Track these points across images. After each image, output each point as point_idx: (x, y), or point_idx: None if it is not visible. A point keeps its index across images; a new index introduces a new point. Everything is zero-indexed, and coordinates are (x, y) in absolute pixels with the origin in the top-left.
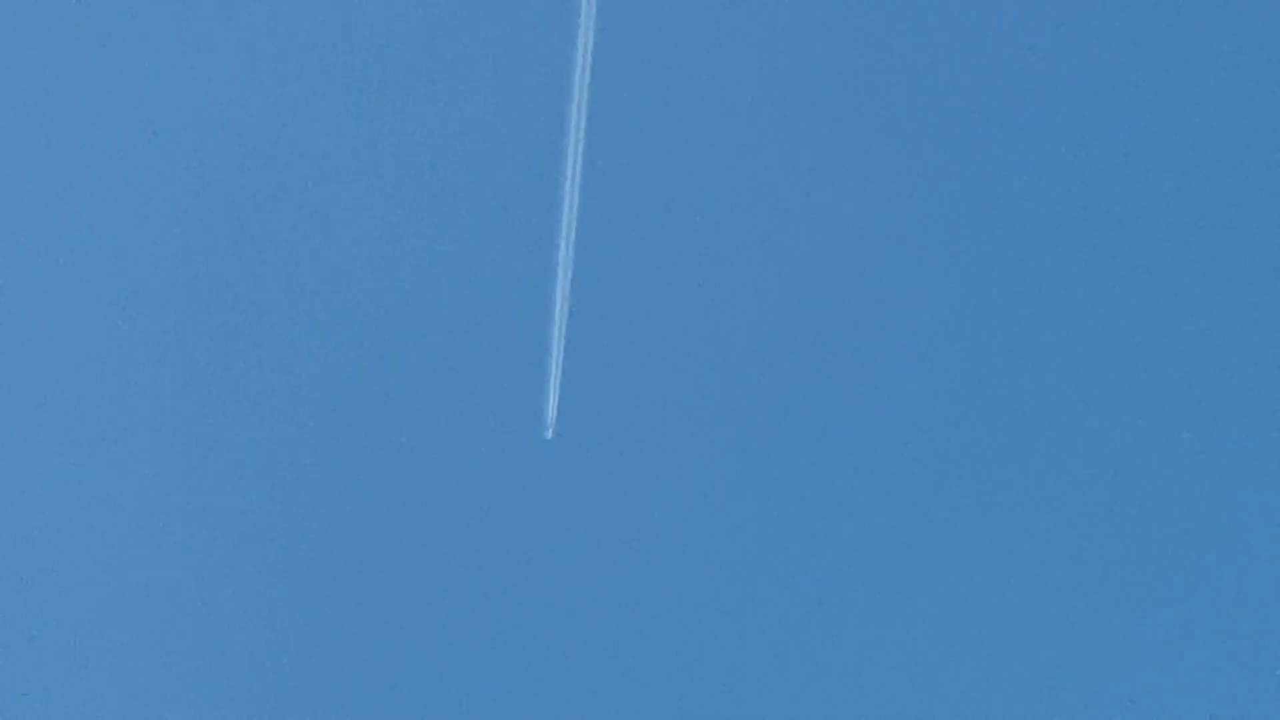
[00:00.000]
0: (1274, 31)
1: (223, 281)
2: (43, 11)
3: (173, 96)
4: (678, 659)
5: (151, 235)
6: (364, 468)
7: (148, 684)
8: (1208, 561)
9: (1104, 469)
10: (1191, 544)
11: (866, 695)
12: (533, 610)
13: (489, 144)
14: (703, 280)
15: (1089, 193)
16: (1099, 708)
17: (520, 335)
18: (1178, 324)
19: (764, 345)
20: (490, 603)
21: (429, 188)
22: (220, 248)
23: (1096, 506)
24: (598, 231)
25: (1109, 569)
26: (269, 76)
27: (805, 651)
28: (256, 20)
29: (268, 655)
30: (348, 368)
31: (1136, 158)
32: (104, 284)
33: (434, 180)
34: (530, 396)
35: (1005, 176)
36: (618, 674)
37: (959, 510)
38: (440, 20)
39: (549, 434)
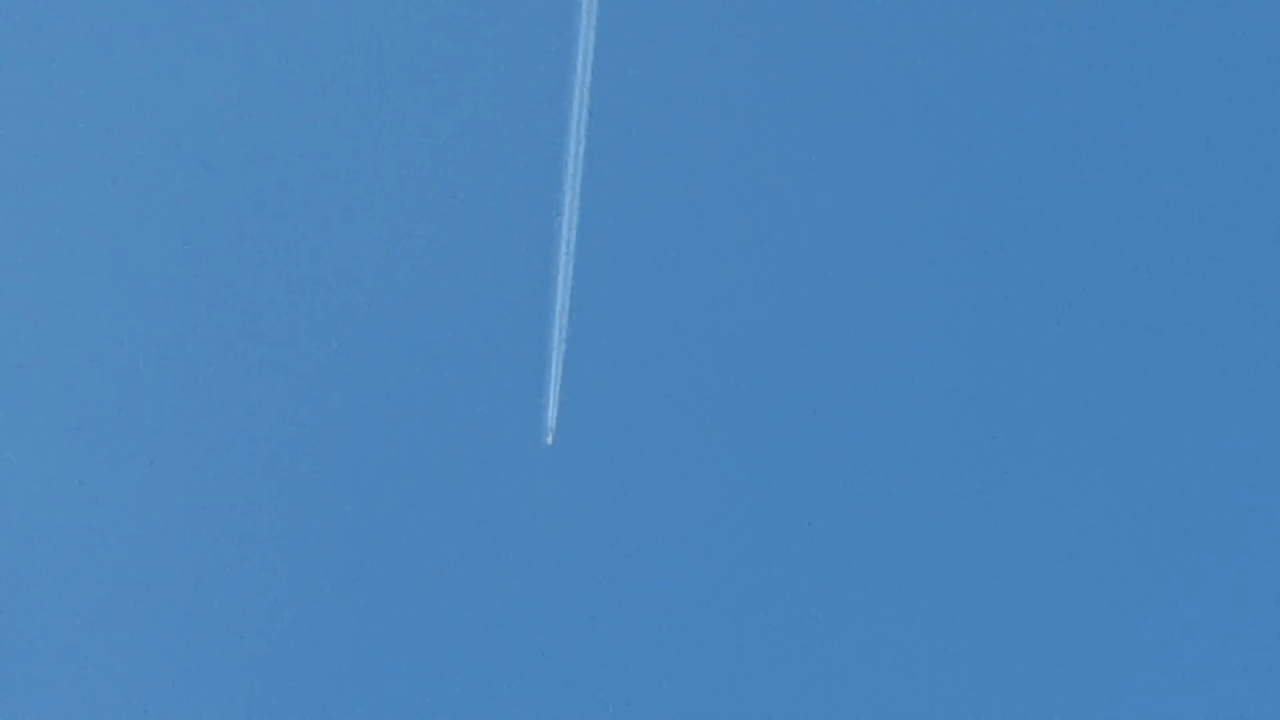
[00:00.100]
0: (1274, 31)
1: (222, 283)
2: (43, 11)
3: (172, 97)
4: (678, 663)
5: (150, 236)
6: (364, 473)
7: (148, 684)
8: (1208, 561)
9: (1104, 469)
10: (1191, 544)
11: (867, 696)
12: (533, 616)
13: (489, 147)
14: (704, 284)
15: (1089, 193)
16: (1099, 708)
17: (520, 340)
18: (1178, 324)
19: (765, 349)
20: (490, 608)
21: (429, 192)
22: (219, 249)
23: (1096, 507)
24: (598, 236)
25: (1109, 569)
26: (270, 77)
27: (806, 653)
28: (258, 21)
29: (268, 658)
30: (348, 372)
31: (1136, 158)
32: (103, 284)
33: (434, 184)
34: (530, 402)
35: (1005, 177)
36: (619, 678)
37: (960, 514)
38: (440, 21)
39: (549, 440)
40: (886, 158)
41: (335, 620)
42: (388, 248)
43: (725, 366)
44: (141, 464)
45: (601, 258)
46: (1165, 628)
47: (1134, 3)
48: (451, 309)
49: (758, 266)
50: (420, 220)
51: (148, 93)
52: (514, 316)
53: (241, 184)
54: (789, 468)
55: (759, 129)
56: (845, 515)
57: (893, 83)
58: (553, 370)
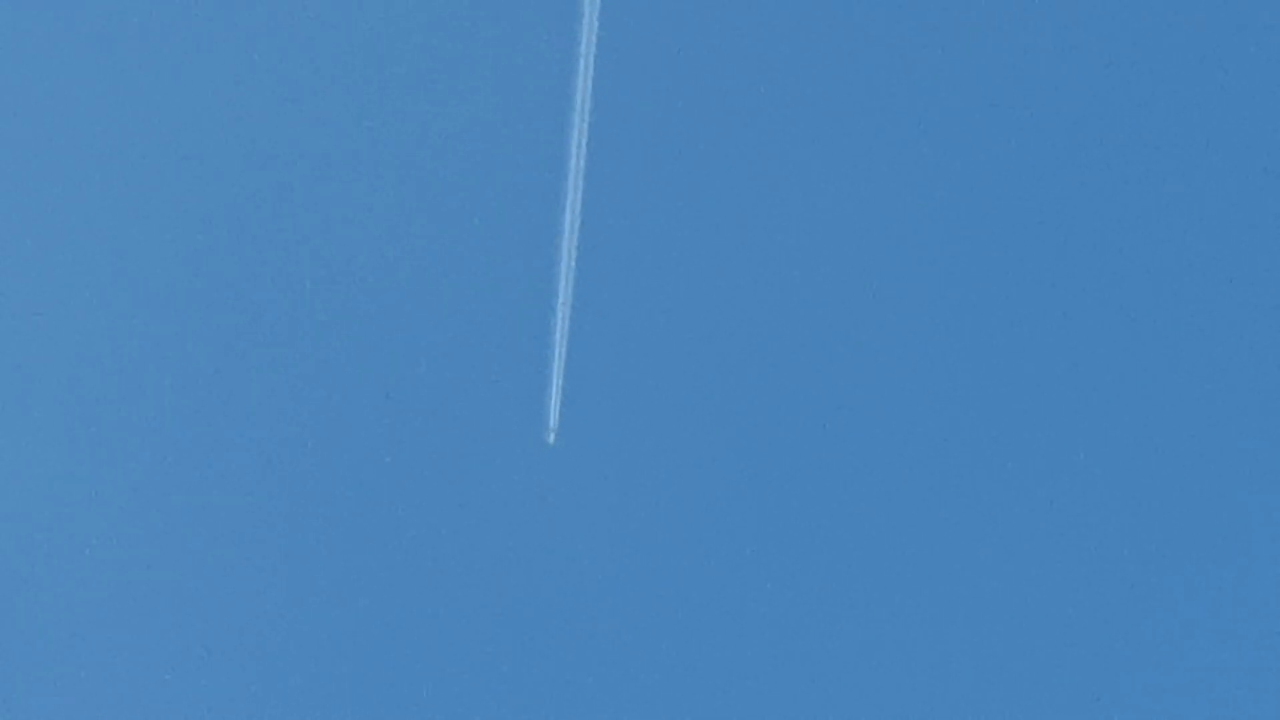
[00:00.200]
0: (1274, 31)
1: (224, 283)
2: (43, 11)
3: (174, 97)
4: (680, 662)
5: (152, 237)
6: (366, 471)
7: (147, 684)
8: (1208, 562)
9: (1104, 469)
10: (1192, 544)
11: (867, 696)
12: (534, 614)
13: (491, 146)
14: (705, 284)
15: (1089, 193)
16: (1099, 707)
17: (522, 339)
18: (1178, 324)
19: (766, 349)
20: (492, 607)
21: (431, 192)
22: (221, 250)
23: (1096, 507)
24: (600, 236)
25: (1109, 569)
26: (271, 78)
27: (808, 653)
28: (261, 22)
29: (270, 659)
30: (350, 371)
31: (1136, 158)
32: (104, 285)
33: (436, 184)
34: (532, 401)
35: (1008, 178)
36: (620, 677)
37: (962, 514)
38: (442, 22)
39: (551, 439)
40: (887, 158)
41: (337, 619)
42: (390, 247)
43: (726, 366)
44: (141, 463)
45: (603, 257)
46: (1165, 628)
47: (1134, 3)
48: (453, 308)
49: (759, 266)
50: (422, 220)
51: (148, 93)
52: (516, 316)
53: (243, 184)
54: (790, 467)
55: (760, 129)
56: (847, 515)
57: (895, 84)
58: (554, 369)
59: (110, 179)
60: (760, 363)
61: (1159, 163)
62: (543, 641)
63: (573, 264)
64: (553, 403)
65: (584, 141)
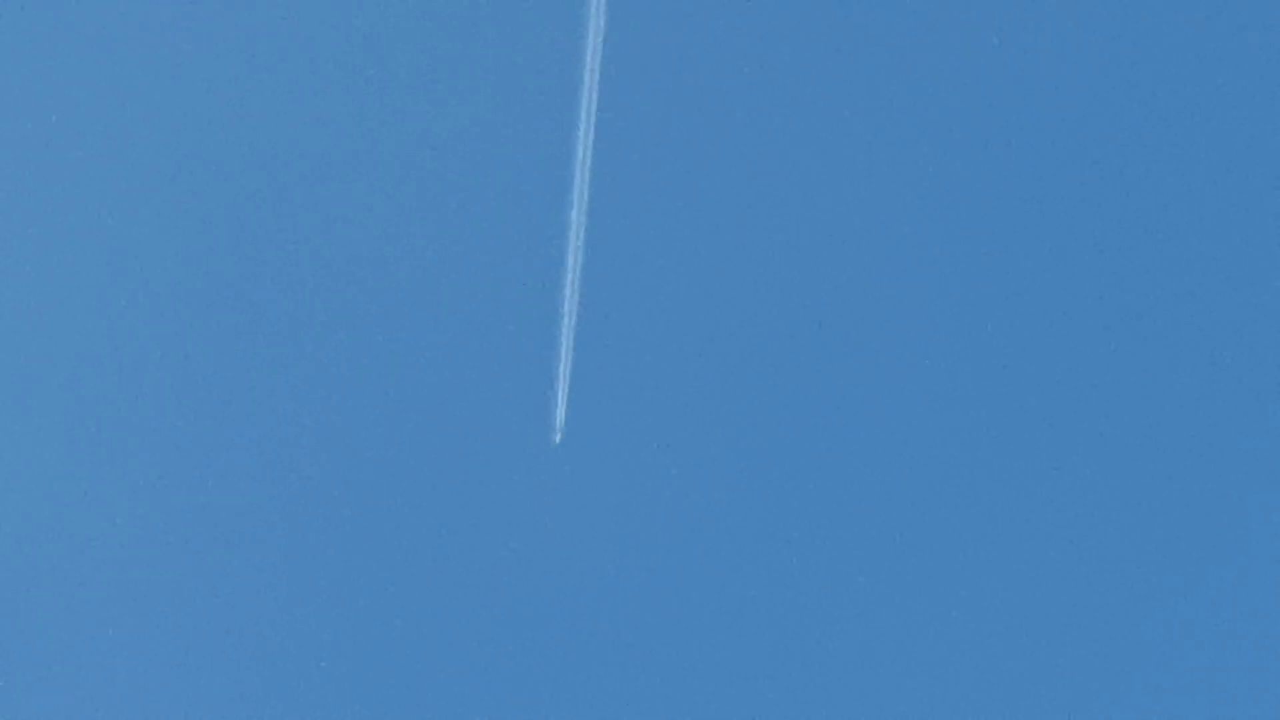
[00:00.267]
0: (1274, 31)
1: (228, 284)
2: (43, 11)
3: (178, 97)
4: (686, 663)
5: (154, 237)
6: (371, 472)
7: (148, 684)
8: (1208, 562)
9: (1104, 469)
10: (1192, 544)
11: (871, 697)
12: (540, 614)
13: (497, 147)
14: (712, 284)
15: (1090, 193)
16: (1099, 708)
17: (529, 340)
18: (1178, 324)
19: (773, 349)
20: (498, 606)
21: (438, 192)
22: (225, 251)
23: (1096, 507)
24: (606, 236)
25: (1109, 569)
26: (277, 79)
27: (812, 654)
28: (267, 23)
29: (276, 660)
30: (355, 372)
31: (1136, 158)
32: (125, 289)
33: (443, 185)
34: (538, 401)
35: (1014, 178)
36: (626, 677)
37: (970, 517)
38: (447, 24)
39: (557, 438)
40: (894, 160)
41: (343, 620)
42: (396, 248)
43: (733, 366)
44: (146, 470)
45: (610, 258)
46: (1165, 628)
47: (1134, 3)
48: (460, 309)
49: (765, 267)
50: (429, 220)
51: (155, 94)
52: (522, 316)
53: (249, 186)
54: (797, 467)
55: (766, 130)
56: (853, 515)
57: (903, 84)
58: (561, 369)
59: (129, 181)
60: (766, 364)
61: (1159, 163)
62: (548, 642)
63: (579, 265)
64: (559, 403)
65: (590, 143)
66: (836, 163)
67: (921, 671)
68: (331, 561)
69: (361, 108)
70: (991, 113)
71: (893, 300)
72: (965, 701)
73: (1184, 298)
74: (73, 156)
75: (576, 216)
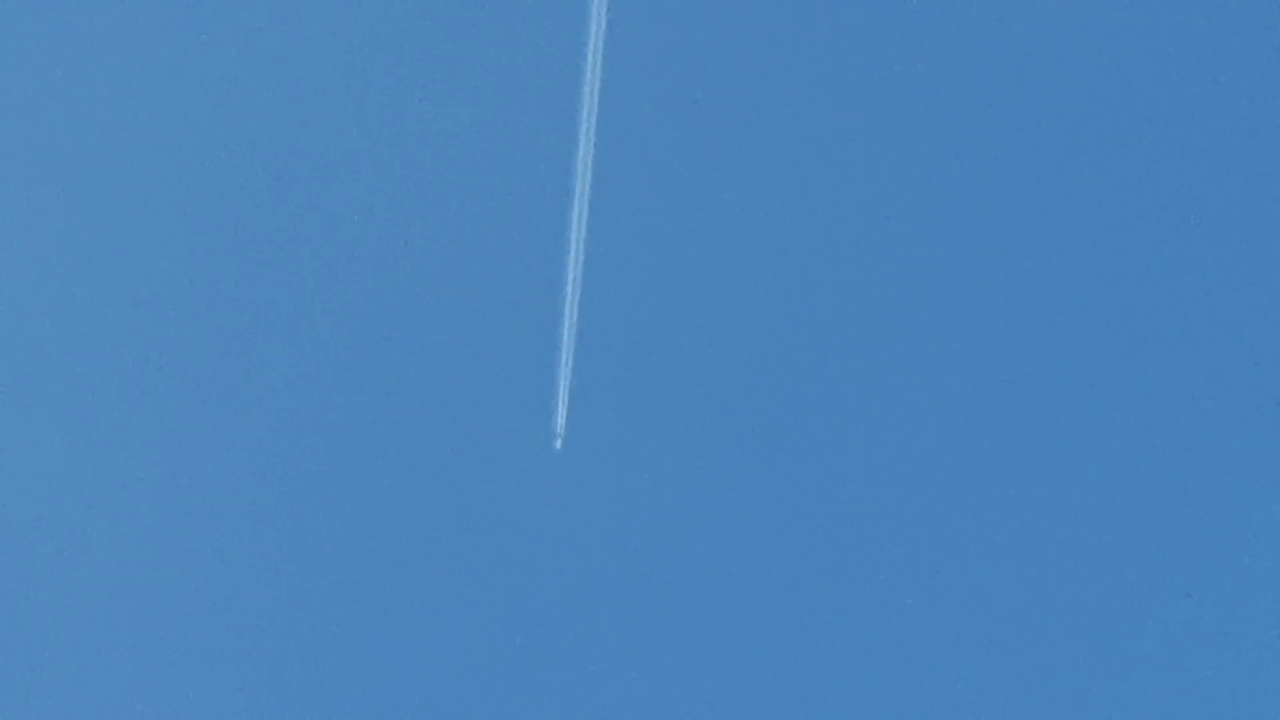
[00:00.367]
0: (1274, 31)
1: (227, 286)
2: (44, 11)
3: (179, 97)
4: (687, 667)
5: (154, 238)
6: (371, 476)
7: (148, 684)
8: (1208, 562)
9: (1104, 469)
10: (1191, 544)
11: (877, 698)
12: (541, 620)
13: (498, 149)
14: (714, 288)
15: (1093, 193)
16: (1098, 708)
17: (529, 345)
18: (1178, 324)
19: (775, 353)
20: (498, 612)
21: (438, 195)
22: (224, 252)
23: (1097, 507)
24: (607, 239)
25: (1109, 569)
26: (277, 79)
27: (816, 658)
28: (269, 23)
29: (276, 664)
30: (355, 376)
31: (1136, 158)
32: (126, 289)
33: (443, 187)
34: (539, 407)
35: (1021, 180)
36: (627, 682)
37: (982, 520)
38: (449, 22)
39: (558, 444)
40: (898, 160)
41: (341, 624)
42: (396, 250)
43: (735, 371)
44: (150, 473)
45: (611, 261)
46: (1165, 628)
47: (1134, 3)
48: (460, 313)
49: (767, 270)
50: (429, 223)
51: (155, 94)
52: (523, 320)
53: (252, 187)
54: (799, 472)
55: (768, 131)
56: (856, 519)
57: (906, 84)
58: (561, 374)
59: (127, 181)
60: (768, 368)
61: (1159, 163)
62: (549, 647)
63: (579, 270)
64: (559, 408)
65: (591, 146)
66: (840, 164)
67: (927, 676)
68: (332, 567)
69: (361, 110)
70: (994, 113)
71: (898, 303)
72: (967, 702)
73: (1184, 298)
74: (73, 156)
75: (577, 220)
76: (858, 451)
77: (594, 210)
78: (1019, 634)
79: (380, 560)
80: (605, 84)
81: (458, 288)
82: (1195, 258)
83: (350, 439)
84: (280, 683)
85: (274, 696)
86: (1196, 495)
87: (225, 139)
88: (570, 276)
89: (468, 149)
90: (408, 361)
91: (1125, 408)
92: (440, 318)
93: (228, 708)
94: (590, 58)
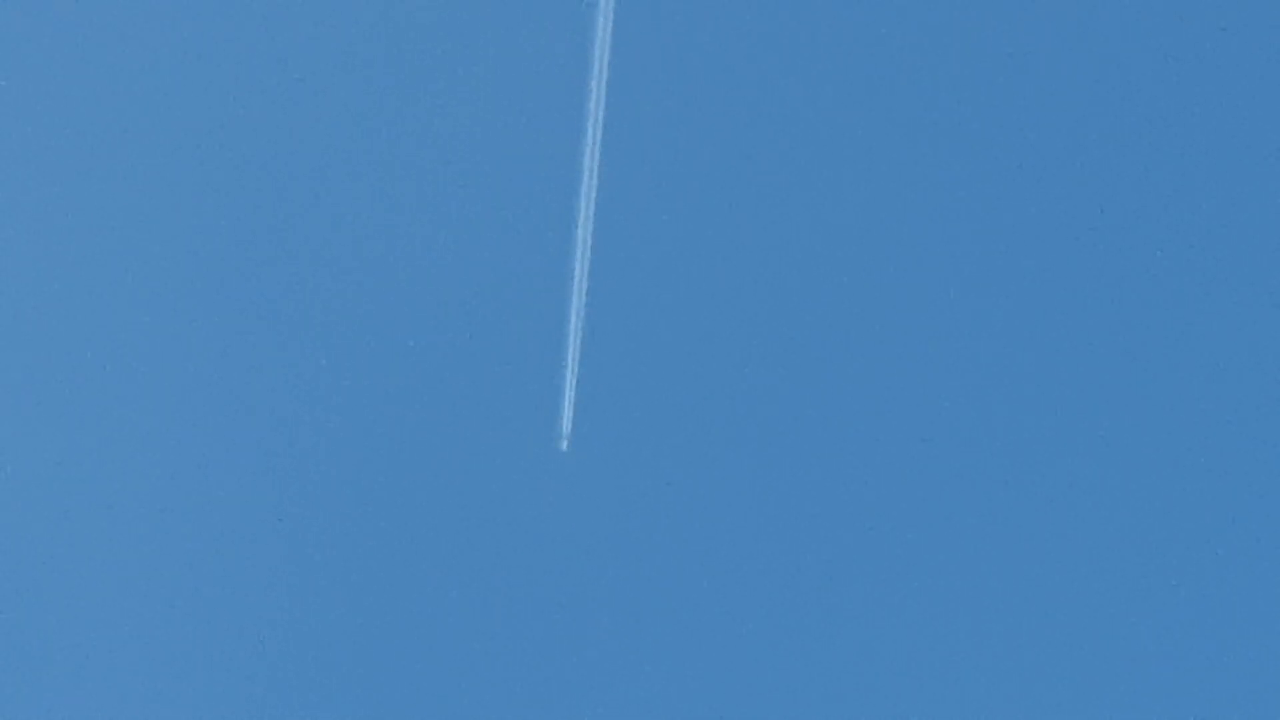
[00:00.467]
0: (1274, 31)
1: (233, 286)
2: (44, 12)
3: (187, 99)
4: (694, 668)
5: (162, 239)
6: (377, 479)
7: (148, 684)
8: (1208, 562)
9: (1105, 469)
10: (1192, 544)
11: (885, 699)
12: (547, 621)
13: (505, 150)
14: (720, 289)
15: (1095, 194)
16: (1099, 708)
17: (535, 346)
18: (1178, 324)
19: (782, 354)
20: (505, 615)
21: (445, 196)
22: (228, 253)
23: (1097, 507)
24: (614, 240)
25: (1109, 569)
26: (286, 80)
27: (822, 659)
28: (276, 24)
29: (281, 666)
30: (361, 377)
31: (1136, 158)
32: (155, 292)
33: (450, 188)
34: (545, 408)
35: (1042, 182)
36: (633, 683)
37: (993, 520)
38: (455, 22)
39: (564, 445)
40: (908, 161)
41: (348, 626)
42: (403, 251)
43: (741, 371)
44: (154, 476)
45: (617, 262)
46: (1165, 628)
47: (1134, 3)
48: (467, 314)
49: (774, 271)
50: (436, 224)
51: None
52: (529, 321)
53: (256, 189)
54: (806, 473)
55: (775, 132)
56: (864, 521)
57: (913, 85)
58: (568, 376)
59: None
60: (775, 370)
61: (1159, 163)
62: (555, 649)
63: (586, 270)
64: (566, 410)
65: (598, 146)
66: (848, 165)
67: (937, 681)
68: (336, 569)
69: (367, 110)
70: (995, 113)
71: (907, 304)
72: (975, 703)
73: (1184, 298)
74: (73, 156)
75: (583, 222)
76: (866, 453)
77: (600, 211)
78: (1019, 634)
79: (387, 562)
80: (611, 84)
81: (464, 289)
82: (1195, 257)
83: (357, 440)
84: (286, 683)
85: (279, 696)
86: (1196, 495)
87: (230, 141)
88: (576, 278)
89: (474, 150)
90: (414, 363)
91: (1125, 408)
92: (447, 319)
93: (240, 707)
94: (596, 57)
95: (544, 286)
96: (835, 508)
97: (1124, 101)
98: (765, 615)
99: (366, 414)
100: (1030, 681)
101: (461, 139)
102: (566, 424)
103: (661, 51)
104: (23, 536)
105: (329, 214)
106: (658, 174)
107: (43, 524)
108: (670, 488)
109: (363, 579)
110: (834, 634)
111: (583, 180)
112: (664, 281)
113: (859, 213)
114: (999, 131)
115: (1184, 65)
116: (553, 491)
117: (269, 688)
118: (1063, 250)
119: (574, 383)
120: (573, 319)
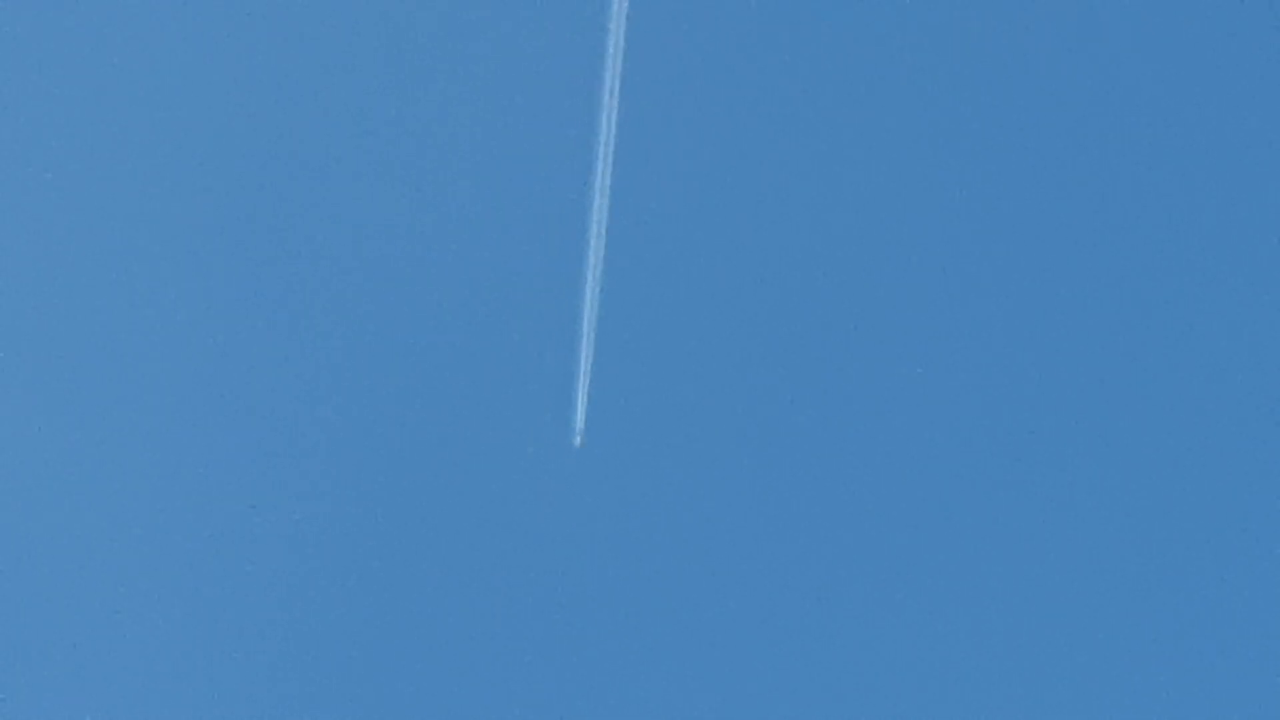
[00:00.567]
0: (1274, 31)
1: (245, 286)
2: (45, 12)
3: (192, 99)
4: (706, 666)
5: (167, 239)
6: (391, 476)
7: (149, 684)
8: (1208, 562)
9: (1105, 469)
10: (1191, 544)
11: (895, 700)
12: (561, 619)
13: (518, 149)
14: (733, 286)
15: (1099, 195)
16: (1100, 708)
17: (549, 342)
18: (1178, 324)
19: (795, 351)
20: (518, 611)
21: (459, 193)
22: (240, 253)
23: (1097, 507)
24: (627, 237)
25: (1109, 569)
26: (295, 80)
27: (834, 658)
28: (284, 24)
29: (291, 666)
30: (375, 375)
31: (1136, 158)
32: (153, 297)
33: (464, 186)
34: (559, 404)
35: (1062, 184)
36: (644, 681)
37: (1002, 521)
38: (468, 21)
39: (578, 441)
40: (922, 161)
41: (360, 623)
42: (416, 249)
43: (755, 368)
44: (160, 477)
45: (630, 259)
46: (1165, 628)
47: (1134, 3)
48: (480, 311)
49: (787, 269)
50: (449, 221)
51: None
52: (542, 318)
53: (269, 188)
54: (820, 471)
55: (789, 131)
56: (876, 519)
57: (926, 85)
58: (581, 372)
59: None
60: (788, 366)
61: (1159, 163)
62: (568, 645)
63: (599, 267)
64: (579, 406)
65: (611, 143)
66: (862, 165)
67: (949, 683)
68: (349, 565)
69: (381, 109)
70: (997, 114)
71: (921, 304)
72: (980, 704)
73: (1184, 297)
74: (73, 156)
75: (597, 218)
76: (879, 451)
77: (614, 208)
78: (1020, 634)
79: (399, 559)
80: (625, 82)
81: (478, 285)
82: (1195, 257)
83: (370, 437)
84: (295, 682)
85: (286, 697)
86: (1197, 495)
87: (240, 140)
88: (590, 274)
89: (488, 148)
90: (428, 360)
91: (1125, 408)
92: (460, 316)
93: (249, 706)
94: (610, 56)
95: (558, 282)
96: (850, 506)
97: (1124, 101)
98: (781, 613)
99: (380, 411)
100: (1030, 681)
101: (476, 137)
102: (580, 420)
103: (675, 47)
104: (23, 536)
105: (345, 212)
106: (671, 170)
107: (43, 524)
108: (684, 483)
109: (376, 577)
110: (839, 633)
111: (596, 177)
112: (677, 278)
113: (874, 212)
114: (1001, 132)
115: (1184, 65)
116: (567, 488)
117: (269, 688)
118: (1080, 256)
119: (588, 379)
120: (586, 315)
